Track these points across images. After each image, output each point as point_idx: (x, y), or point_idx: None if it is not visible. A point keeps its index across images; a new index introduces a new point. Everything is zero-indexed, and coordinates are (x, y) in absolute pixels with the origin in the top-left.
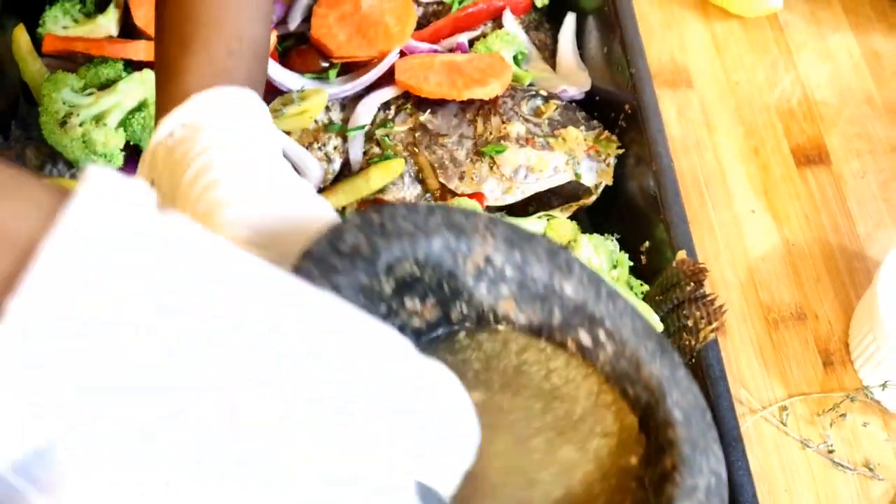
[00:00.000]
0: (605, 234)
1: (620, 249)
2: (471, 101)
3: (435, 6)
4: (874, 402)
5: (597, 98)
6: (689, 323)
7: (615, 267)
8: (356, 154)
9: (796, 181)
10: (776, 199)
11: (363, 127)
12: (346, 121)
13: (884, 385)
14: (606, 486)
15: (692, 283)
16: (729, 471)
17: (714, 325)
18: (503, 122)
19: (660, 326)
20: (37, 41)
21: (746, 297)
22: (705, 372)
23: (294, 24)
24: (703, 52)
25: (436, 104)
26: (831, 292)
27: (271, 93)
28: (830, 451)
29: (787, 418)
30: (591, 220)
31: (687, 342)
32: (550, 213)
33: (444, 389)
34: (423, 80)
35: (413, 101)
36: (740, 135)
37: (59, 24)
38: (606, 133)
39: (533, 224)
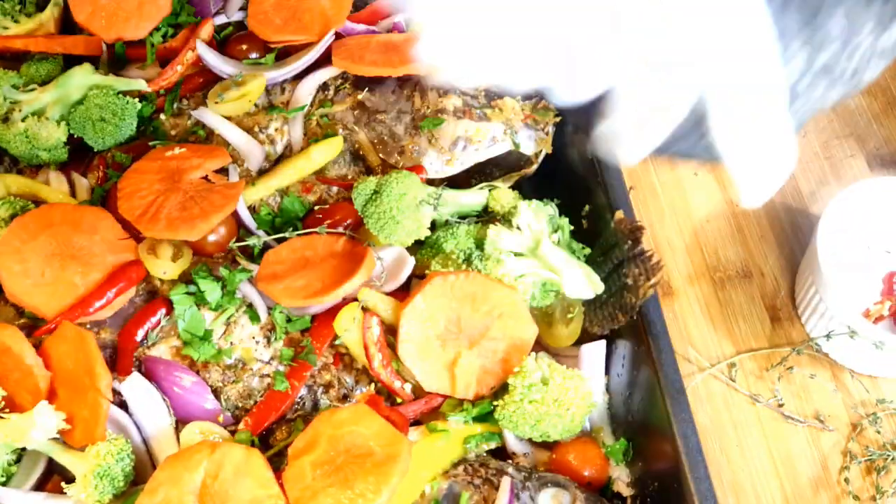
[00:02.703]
0: (545, 200)
1: (561, 214)
2: (408, 78)
3: None
4: (822, 356)
5: None
6: (629, 281)
7: (556, 231)
8: (297, 135)
9: None
10: (718, 160)
11: (303, 108)
12: (286, 103)
13: (829, 336)
14: None
15: (630, 242)
16: (673, 423)
17: (652, 280)
18: (440, 96)
19: (601, 287)
20: None
21: (692, 259)
22: (647, 328)
23: (232, 12)
24: None
25: (373, 82)
26: (776, 249)
27: (211, 80)
28: (780, 405)
29: (736, 375)
30: (533, 189)
31: (628, 299)
32: (492, 183)
33: None
34: (360, 60)
35: (351, 81)
36: None
37: None
38: (544, 102)
39: (475, 195)
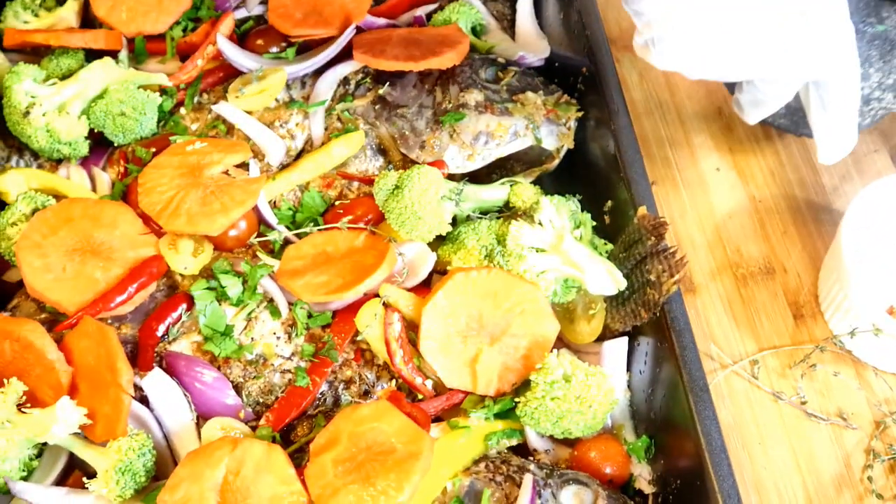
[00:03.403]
0: (567, 195)
1: (583, 210)
2: (429, 72)
3: None
4: (845, 353)
5: (556, 64)
6: (652, 277)
7: (578, 227)
8: (318, 130)
9: (760, 138)
10: (741, 156)
11: (323, 103)
12: (306, 98)
13: (852, 333)
14: None
15: (653, 238)
16: (697, 421)
17: (676, 276)
18: (461, 91)
19: (624, 283)
20: None
21: (714, 255)
22: (670, 325)
23: (252, 6)
24: None
25: (395, 76)
26: (799, 245)
27: (231, 75)
28: (803, 403)
29: (759, 372)
30: (555, 184)
31: (651, 296)
32: (513, 178)
33: None
34: (381, 54)
35: (372, 75)
36: (702, 95)
37: (20, 19)
38: (566, 97)
39: (496, 190)
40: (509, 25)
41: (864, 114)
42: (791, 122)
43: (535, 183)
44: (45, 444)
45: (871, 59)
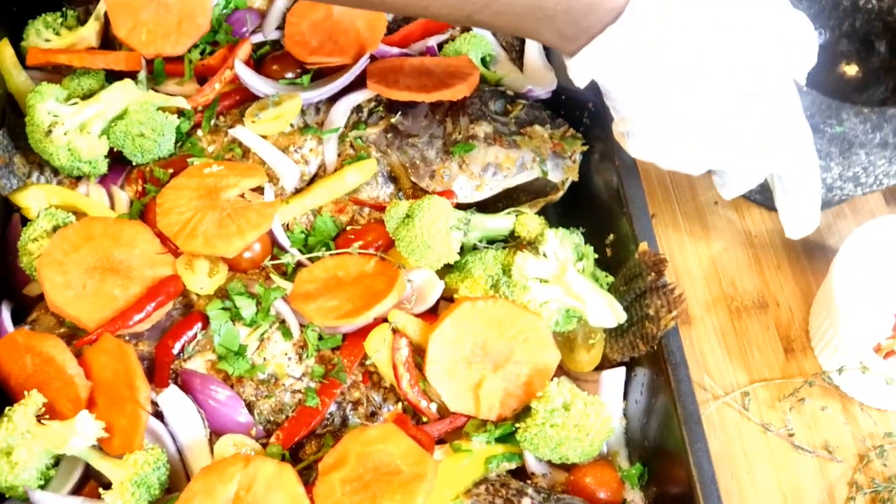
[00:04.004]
0: (571, 228)
1: (586, 242)
2: (440, 102)
3: None
4: (833, 387)
5: (562, 97)
6: (651, 312)
7: (581, 259)
8: (331, 156)
9: None
10: None
11: (337, 129)
12: (320, 124)
13: (840, 370)
14: None
15: (653, 273)
16: (689, 453)
17: (674, 312)
18: (471, 122)
19: (624, 317)
20: (21, 54)
21: (710, 288)
22: (667, 359)
23: (269, 31)
24: None
25: (406, 106)
26: (791, 281)
27: (247, 98)
28: (791, 435)
29: (749, 403)
30: (558, 215)
31: (649, 330)
32: (519, 208)
33: (796, 15)
34: (394, 83)
35: (384, 104)
36: None
37: (41, 37)
38: (571, 131)
39: (502, 220)
40: (518, 56)
41: (829, 198)
42: (764, 199)
43: (539, 213)
44: (61, 454)
45: (831, 154)
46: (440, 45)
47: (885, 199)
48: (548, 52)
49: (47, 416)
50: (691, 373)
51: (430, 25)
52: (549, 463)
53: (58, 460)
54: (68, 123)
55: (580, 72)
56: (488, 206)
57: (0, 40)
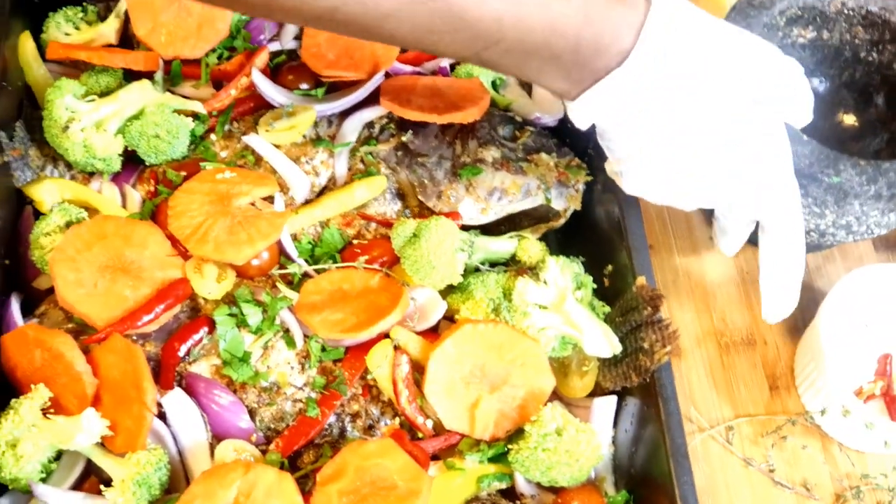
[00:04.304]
0: (571, 257)
1: (585, 271)
2: (451, 124)
3: None
4: (814, 426)
5: (568, 126)
6: (646, 345)
7: (579, 288)
8: (341, 169)
9: None
10: None
11: (349, 144)
12: (332, 137)
13: (823, 411)
14: None
15: (649, 308)
16: (675, 485)
17: (668, 348)
18: (480, 146)
19: (619, 348)
20: (41, 46)
21: (701, 321)
22: (658, 391)
23: (286, 41)
24: None
25: (417, 125)
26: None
27: (261, 106)
28: (771, 471)
29: (733, 438)
30: (558, 242)
31: (643, 362)
32: (521, 233)
33: (789, 63)
34: (406, 102)
35: (396, 122)
36: None
37: (61, 30)
38: (577, 160)
39: (504, 243)
40: (527, 83)
41: (821, 243)
42: (757, 238)
43: (540, 239)
44: (63, 448)
45: (827, 203)
46: (452, 66)
47: (874, 246)
48: None
49: (52, 411)
50: (679, 404)
51: None
52: (538, 485)
53: (59, 454)
54: (85, 120)
55: (582, 114)
56: (490, 228)
57: (21, 32)
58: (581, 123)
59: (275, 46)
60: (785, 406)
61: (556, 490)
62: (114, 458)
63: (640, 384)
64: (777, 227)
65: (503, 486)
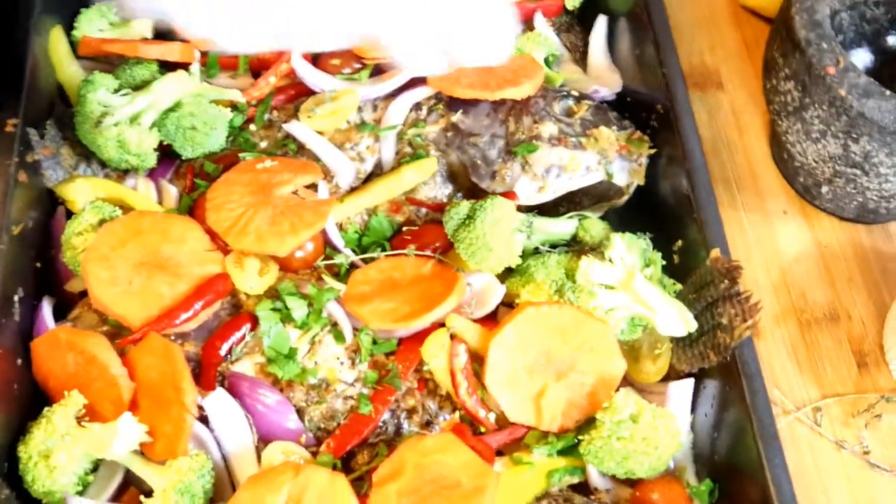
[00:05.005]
0: (638, 233)
1: (652, 248)
2: (502, 102)
3: None
4: None
5: (628, 99)
6: (724, 321)
7: (648, 265)
8: (388, 154)
9: None
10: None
11: (395, 127)
12: (377, 121)
13: None
14: None
15: (726, 281)
16: (766, 469)
17: (749, 322)
18: (535, 122)
19: (695, 325)
20: (73, 43)
21: (779, 299)
22: (741, 369)
23: None
24: (734, 55)
25: (467, 104)
26: (864, 293)
27: (302, 93)
28: (866, 453)
29: (822, 419)
30: (620, 220)
31: (721, 340)
32: (582, 212)
33: None
34: (456, 81)
35: (445, 102)
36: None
37: (94, 26)
38: (638, 133)
39: (564, 224)
40: (581, 57)
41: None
42: (835, 207)
43: (601, 218)
44: (100, 458)
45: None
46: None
47: None
48: (612, 53)
49: (87, 419)
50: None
51: None
52: (613, 478)
53: (97, 465)
54: (119, 114)
55: None
56: (547, 210)
57: (52, 29)
58: None
59: None
60: (876, 383)
61: (632, 482)
62: (154, 467)
63: (719, 363)
64: None
65: (575, 480)
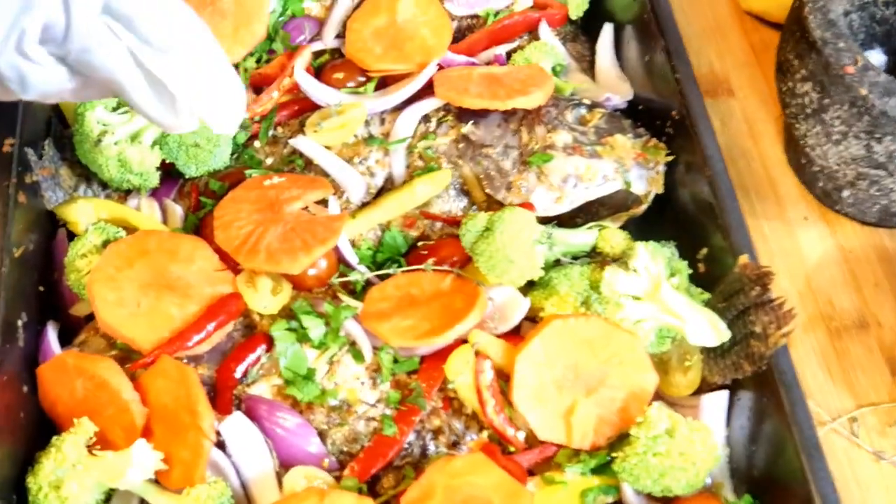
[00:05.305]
0: (662, 242)
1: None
2: (513, 112)
3: (469, 20)
4: None
5: (639, 107)
6: (757, 329)
7: (674, 275)
8: (399, 167)
9: None
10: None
11: (405, 140)
12: (386, 135)
13: None
14: None
15: (757, 288)
16: (811, 482)
17: (784, 329)
18: (548, 132)
19: (727, 335)
20: None
21: (805, 307)
22: (778, 379)
23: (329, 39)
24: (742, 61)
25: (477, 115)
26: (892, 298)
27: (307, 108)
28: None
29: (858, 430)
30: (640, 231)
31: (756, 349)
32: (601, 223)
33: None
34: (464, 92)
35: (454, 113)
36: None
37: None
38: (654, 140)
39: (584, 234)
40: (588, 67)
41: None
42: (857, 212)
43: (621, 228)
44: (114, 488)
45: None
46: (508, 54)
47: None
48: (620, 61)
49: (98, 447)
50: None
51: (497, 34)
52: (649, 496)
53: (109, 495)
54: (119, 132)
55: None
56: (564, 223)
57: None
58: None
59: (317, 46)
60: None
61: (668, 501)
62: (170, 496)
63: (754, 373)
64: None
65: (609, 499)
